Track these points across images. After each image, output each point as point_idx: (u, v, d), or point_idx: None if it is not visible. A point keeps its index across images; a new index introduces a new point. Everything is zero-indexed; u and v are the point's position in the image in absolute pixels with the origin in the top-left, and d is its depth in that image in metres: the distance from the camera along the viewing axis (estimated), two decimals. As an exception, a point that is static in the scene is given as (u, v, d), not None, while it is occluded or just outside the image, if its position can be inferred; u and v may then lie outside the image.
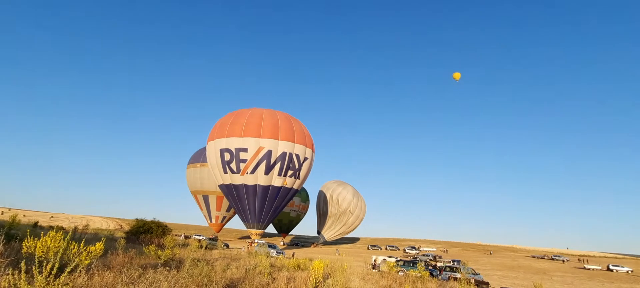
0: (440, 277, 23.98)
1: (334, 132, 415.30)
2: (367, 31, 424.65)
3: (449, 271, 24.99)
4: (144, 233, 25.67)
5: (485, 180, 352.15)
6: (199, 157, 72.96)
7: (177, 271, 10.00)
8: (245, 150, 49.83)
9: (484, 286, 21.40)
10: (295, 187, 56.29)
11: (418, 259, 46.48)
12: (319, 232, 78.05)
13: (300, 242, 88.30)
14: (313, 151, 59.15)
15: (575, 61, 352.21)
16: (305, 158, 56.02)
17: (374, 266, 34.91)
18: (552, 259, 70.76)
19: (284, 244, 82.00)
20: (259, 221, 53.05)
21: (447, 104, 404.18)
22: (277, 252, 33.00)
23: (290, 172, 53.89)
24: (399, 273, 26.81)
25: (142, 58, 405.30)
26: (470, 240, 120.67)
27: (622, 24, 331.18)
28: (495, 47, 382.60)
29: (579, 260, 70.29)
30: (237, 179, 50.85)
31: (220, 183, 54.58)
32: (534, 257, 76.05)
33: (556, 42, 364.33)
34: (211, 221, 75.10)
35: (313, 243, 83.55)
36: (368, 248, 79.44)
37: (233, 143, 50.27)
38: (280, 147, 51.93)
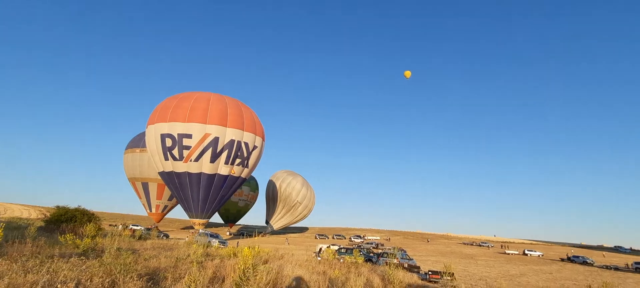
0: (377, 262, 25.26)
1: (286, 121, 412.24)
2: (329, 20, 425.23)
3: (385, 257, 26.42)
4: (67, 222, 23.28)
5: (425, 174, 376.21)
6: (139, 141, 67.94)
7: (94, 260, 9.20)
8: (189, 136, 47.33)
9: (416, 270, 22.97)
10: (243, 175, 55.04)
11: (362, 247, 48.54)
12: (267, 222, 77.60)
13: (248, 232, 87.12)
14: (263, 140, 58.20)
15: (500, 55, 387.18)
16: (255, 147, 54.93)
17: (318, 254, 35.84)
18: (480, 245, 78.40)
19: (230, 234, 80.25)
20: (203, 211, 51.07)
21: (398, 98, 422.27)
22: (219, 242, 32.11)
23: (238, 161, 52.50)
24: (340, 260, 27.81)
25: (74, 32, 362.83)
26: (411, 229, 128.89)
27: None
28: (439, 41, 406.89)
29: (501, 246, 78.74)
30: (180, 167, 48.25)
31: (161, 170, 51.41)
32: (464, 243, 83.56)
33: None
34: (151, 210, 70.69)
35: (261, 232, 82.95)
36: (315, 238, 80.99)
37: (176, 128, 47.43)
38: (228, 134, 50.25)
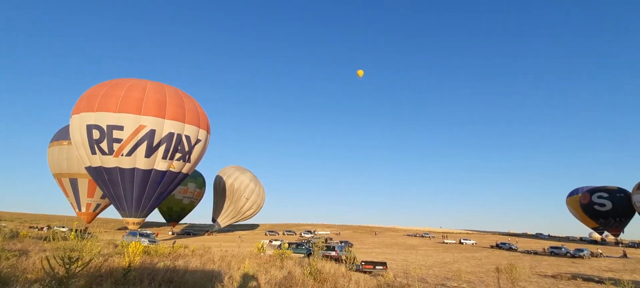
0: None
1: (237, 114, 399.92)
2: (279, 18, 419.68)
3: (326, 250, 26.34)
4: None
5: (375, 169, 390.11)
6: (67, 133, 60.92)
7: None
8: (120, 128, 43.16)
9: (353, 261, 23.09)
10: (184, 171, 51.85)
11: (311, 242, 48.45)
12: (214, 220, 74.39)
13: (193, 231, 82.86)
14: (208, 133, 55.30)
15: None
16: (198, 141, 51.97)
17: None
18: (423, 237, 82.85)
19: (173, 234, 75.73)
20: (137, 209, 47.16)
21: (350, 93, 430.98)
22: (149, 241, 29.70)
23: (178, 155, 49.27)
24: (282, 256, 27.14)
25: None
26: (361, 223, 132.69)
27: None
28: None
29: (442, 236, 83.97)
30: (110, 162, 43.90)
31: (88, 165, 46.45)
32: (409, 235, 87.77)
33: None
34: (80, 210, 63.88)
35: (207, 231, 79.32)
36: (266, 234, 79.52)
37: (104, 119, 42.95)
38: (167, 126, 46.84)
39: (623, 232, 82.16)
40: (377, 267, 19.41)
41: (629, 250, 55.41)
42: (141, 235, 32.35)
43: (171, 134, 47.25)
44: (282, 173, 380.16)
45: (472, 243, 66.93)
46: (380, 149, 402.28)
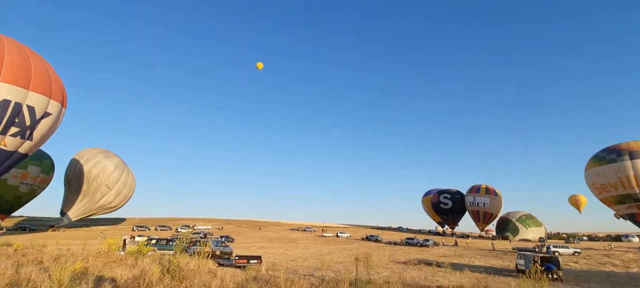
0: (188, 251, 23.18)
1: (105, 88, 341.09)
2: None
3: (196, 245, 24.64)
4: None
5: (263, 164, 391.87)
6: None
7: None
8: None
9: (226, 256, 22.25)
10: (21, 151, 40.99)
11: (199, 239, 44.83)
12: (62, 212, 61.33)
13: (31, 226, 66.74)
14: (63, 106, 44.99)
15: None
16: (47, 114, 41.73)
17: (123, 247, 30.51)
18: (304, 230, 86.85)
19: (2, 229, 59.51)
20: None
21: (242, 86, 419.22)
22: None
23: (14, 130, 38.63)
24: (148, 253, 24.17)
25: None
26: (247, 217, 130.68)
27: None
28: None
29: (322, 230, 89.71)
30: None
31: None
32: (292, 229, 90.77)
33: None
34: None
35: (52, 226, 64.92)
36: (133, 229, 70.07)
37: None
38: (0, 91, 36.22)
39: (457, 226, 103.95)
40: (251, 261, 19.12)
41: (459, 240, 69.96)
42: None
43: (6, 102, 36.68)
44: (162, 162, 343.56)
45: (347, 236, 73.60)
46: (269, 145, 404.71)
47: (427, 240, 56.89)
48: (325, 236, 72.78)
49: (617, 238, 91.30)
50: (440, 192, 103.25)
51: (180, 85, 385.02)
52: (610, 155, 57.37)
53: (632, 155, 54.20)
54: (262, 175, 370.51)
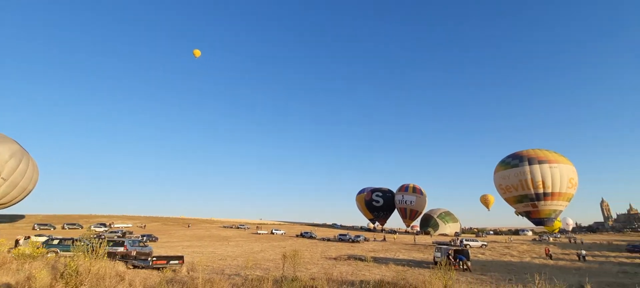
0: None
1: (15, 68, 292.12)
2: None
3: (113, 246, 22.03)
4: None
5: (195, 160, 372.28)
6: None
7: None
8: None
9: (143, 257, 20.23)
10: None
11: (103, 236, 39.88)
12: None
13: None
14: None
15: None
16: None
17: (16, 246, 26.13)
18: (238, 228, 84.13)
19: None
20: None
21: (173, 81, 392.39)
22: None
23: None
24: (48, 255, 20.90)
25: None
26: (175, 214, 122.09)
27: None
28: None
29: (256, 227, 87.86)
30: None
31: None
32: (225, 226, 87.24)
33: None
34: None
35: None
36: (33, 228, 60.49)
37: None
38: None
39: (386, 222, 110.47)
40: (171, 262, 17.60)
41: (387, 236, 74.31)
42: None
43: None
44: (78, 154, 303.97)
45: (282, 233, 73.14)
46: (201, 142, 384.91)
47: (358, 236, 59.29)
48: (260, 233, 71.38)
49: (516, 232, 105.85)
50: (373, 190, 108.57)
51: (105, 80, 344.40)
52: (514, 160, 66.18)
53: (530, 162, 63.21)
54: (192, 172, 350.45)
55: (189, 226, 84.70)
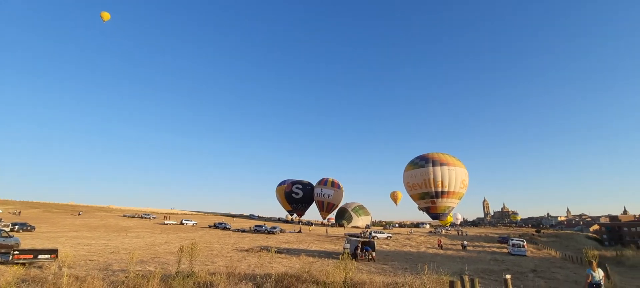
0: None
1: None
2: None
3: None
4: None
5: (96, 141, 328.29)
6: None
7: None
8: None
9: (5, 250, 16.37)
10: None
11: None
12: None
13: None
14: None
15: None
16: None
17: None
18: (142, 217, 76.05)
19: None
20: None
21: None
22: None
23: None
24: None
25: None
26: (63, 200, 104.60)
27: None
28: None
29: (164, 217, 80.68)
30: None
31: None
32: (126, 216, 78.02)
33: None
34: None
35: None
36: None
37: None
38: None
39: (304, 214, 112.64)
40: (40, 256, 14.52)
41: (303, 227, 75.69)
42: None
43: None
44: None
45: (193, 224, 68.51)
46: (109, 123, 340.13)
47: (275, 228, 58.93)
48: (167, 224, 65.68)
49: (417, 225, 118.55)
50: (294, 182, 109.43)
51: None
52: (421, 161, 73.55)
53: (434, 163, 70.99)
54: (86, 153, 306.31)
55: (79, 214, 73.32)
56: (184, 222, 67.99)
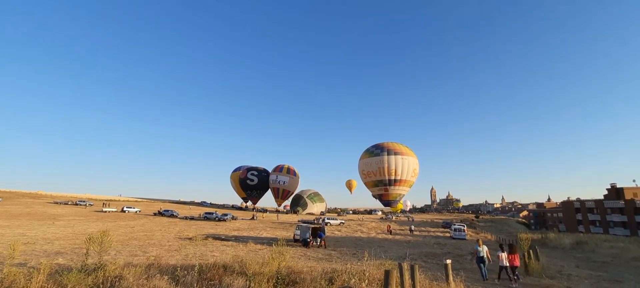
0: None
1: None
2: None
3: None
4: None
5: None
6: None
7: None
8: None
9: None
10: None
11: None
12: None
13: None
14: None
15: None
16: None
17: None
18: (77, 204, 69.22)
19: None
20: None
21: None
22: None
23: None
24: None
25: None
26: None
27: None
28: None
29: (102, 204, 74.19)
30: None
31: None
32: (57, 202, 70.46)
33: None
34: None
35: None
36: None
37: None
38: None
39: (259, 201, 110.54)
40: None
41: (257, 214, 74.09)
42: None
43: None
44: None
45: (136, 211, 63.83)
46: (46, 101, 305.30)
47: (226, 215, 56.80)
48: (106, 211, 60.37)
49: (369, 212, 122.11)
50: (249, 169, 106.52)
51: None
52: (376, 150, 75.08)
53: (388, 152, 72.81)
54: (4, 131, 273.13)
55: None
56: (125, 209, 62.95)
